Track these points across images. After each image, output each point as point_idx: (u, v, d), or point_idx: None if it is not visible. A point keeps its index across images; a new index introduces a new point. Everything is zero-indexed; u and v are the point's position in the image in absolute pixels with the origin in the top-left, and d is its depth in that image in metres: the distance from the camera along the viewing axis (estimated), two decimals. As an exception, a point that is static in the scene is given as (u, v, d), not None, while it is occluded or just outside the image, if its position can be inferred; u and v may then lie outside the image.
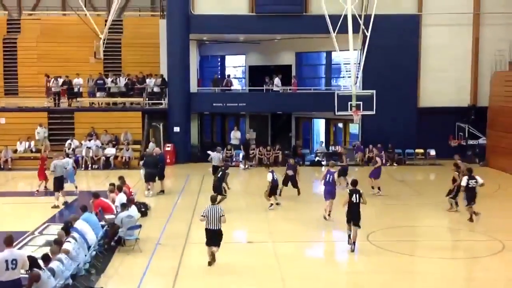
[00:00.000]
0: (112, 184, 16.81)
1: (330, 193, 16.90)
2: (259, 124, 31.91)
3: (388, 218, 17.27)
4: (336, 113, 24.97)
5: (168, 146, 27.27)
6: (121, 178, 17.50)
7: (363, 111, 24.14)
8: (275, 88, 29.49)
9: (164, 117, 28.41)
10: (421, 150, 28.04)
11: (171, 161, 26.86)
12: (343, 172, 20.56)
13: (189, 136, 29.10)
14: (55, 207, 18.26)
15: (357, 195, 13.82)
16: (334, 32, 23.96)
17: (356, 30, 24.13)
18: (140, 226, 14.39)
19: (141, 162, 21.62)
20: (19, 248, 13.14)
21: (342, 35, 23.69)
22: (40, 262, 10.40)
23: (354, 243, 13.87)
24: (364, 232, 15.34)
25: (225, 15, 28.23)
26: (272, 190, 18.31)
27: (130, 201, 15.29)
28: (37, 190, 20.45)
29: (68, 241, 11.65)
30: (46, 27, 35.36)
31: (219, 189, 18.05)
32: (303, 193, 20.36)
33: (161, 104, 29.23)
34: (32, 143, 26.93)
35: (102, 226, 14.06)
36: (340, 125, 30.87)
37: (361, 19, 24.55)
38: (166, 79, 28.65)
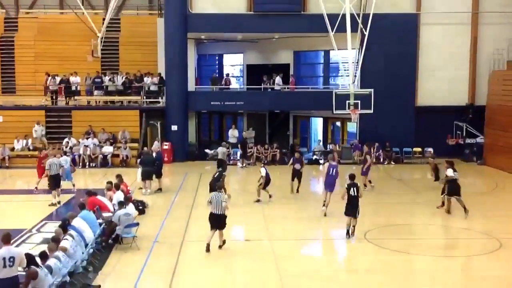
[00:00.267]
0: (110, 182, 16.80)
1: (330, 186, 17.31)
2: (257, 122, 31.90)
3: (386, 216, 17.28)
4: (334, 112, 24.99)
5: (166, 145, 27.25)
6: (118, 176, 17.47)
7: (361, 110, 24.17)
8: (276, 87, 29.49)
9: (162, 115, 28.39)
10: (419, 149, 28.06)
11: (169, 159, 26.85)
12: None
13: (187, 135, 29.08)
14: (53, 205, 18.24)
15: (355, 189, 14.52)
16: (332, 31, 23.99)
17: (354, 29, 24.16)
18: (137, 224, 14.39)
19: (139, 160, 21.63)
20: (17, 246, 13.12)
21: (340, 34, 23.72)
22: (38, 259, 10.37)
23: (353, 232, 14.72)
24: (361, 230, 15.42)
25: (223, 14, 28.21)
26: (266, 184, 18.73)
27: (127, 199, 15.28)
28: (36, 188, 20.42)
29: (66, 239, 11.65)
30: (43, 25, 35.28)
31: (214, 189, 18.00)
32: (300, 191, 20.35)
33: (159, 102, 29.21)
34: (30, 141, 26.90)
35: (100, 224, 14.06)
36: (338, 123, 30.88)
37: (359, 18, 24.59)
38: (164, 78, 28.63)
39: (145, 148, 23.21)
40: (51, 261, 10.47)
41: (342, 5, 23.78)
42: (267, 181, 18.75)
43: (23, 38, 34.37)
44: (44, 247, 11.59)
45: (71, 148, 26.56)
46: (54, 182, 18.60)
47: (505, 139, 25.23)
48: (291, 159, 20.71)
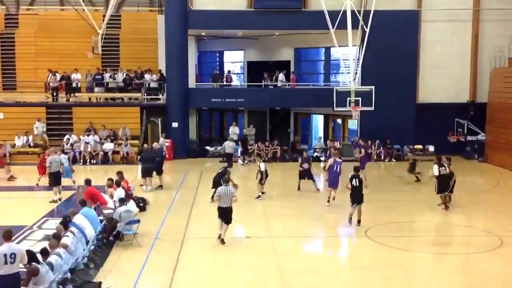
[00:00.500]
0: (110, 179, 16.80)
1: (334, 183, 17.88)
2: (257, 119, 31.89)
3: (386, 213, 17.26)
4: (334, 109, 24.93)
5: (167, 142, 27.21)
6: (119, 173, 17.48)
7: (362, 107, 24.12)
8: (279, 84, 29.46)
9: (163, 112, 28.38)
10: (420, 146, 28.04)
11: (170, 156, 26.83)
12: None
13: (188, 132, 29.07)
14: (54, 201, 18.25)
15: (357, 179, 15.46)
16: (333, 28, 23.92)
17: (355, 26, 24.09)
18: (138, 220, 14.39)
19: (138, 157, 21.64)
20: (18, 243, 13.11)
21: (341, 31, 23.65)
22: (39, 256, 10.37)
23: (359, 221, 15.47)
24: (362, 227, 15.44)
25: (224, 11, 28.15)
26: (262, 179, 19.16)
27: (128, 196, 15.29)
28: (37, 184, 20.41)
29: (67, 236, 11.66)
30: (44, 22, 35.26)
31: (218, 184, 18.02)
32: (301, 189, 20.31)
33: (160, 99, 29.20)
34: (30, 138, 26.89)
35: (101, 221, 14.06)
36: (339, 121, 30.86)
37: (360, 15, 24.52)
38: (165, 75, 28.61)
39: (145, 145, 23.20)
40: (52, 258, 10.47)
41: (343, 2, 23.72)
42: (265, 176, 19.12)
43: (24, 34, 34.34)
44: (45, 244, 11.59)
45: (72, 145, 26.57)
46: (55, 179, 18.60)
47: (506, 136, 25.20)
48: (300, 159, 20.67)
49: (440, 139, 27.52)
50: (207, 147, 29.27)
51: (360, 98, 24.08)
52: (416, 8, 28.49)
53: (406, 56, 28.12)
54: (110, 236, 13.89)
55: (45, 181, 19.70)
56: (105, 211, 15.06)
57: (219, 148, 28.05)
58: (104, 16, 28.28)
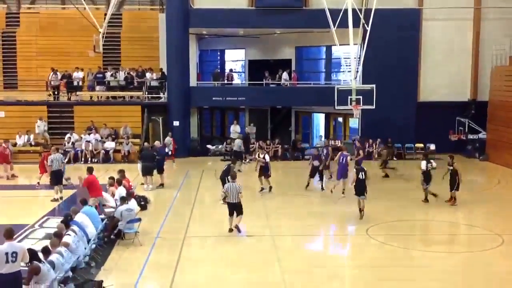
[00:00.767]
0: (112, 178, 16.83)
1: (342, 173, 18.92)
2: (258, 118, 31.88)
3: (387, 212, 17.25)
4: (336, 108, 24.91)
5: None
6: (121, 172, 17.51)
7: (363, 106, 24.09)
8: (283, 82, 29.42)
9: (164, 111, 28.39)
10: (421, 145, 28.03)
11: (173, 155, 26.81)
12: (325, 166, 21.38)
13: (189, 130, 29.08)
14: (55, 200, 18.27)
15: (363, 173, 16.37)
16: (334, 26, 23.87)
17: (356, 24, 24.06)
18: (139, 219, 14.41)
19: (139, 156, 21.67)
20: (19, 241, 13.12)
21: (342, 29, 23.62)
22: (40, 255, 10.38)
23: (362, 211, 16.21)
24: (363, 226, 15.46)
25: (225, 9, 28.14)
26: (263, 170, 19.69)
27: (129, 195, 15.32)
28: (38, 183, 20.43)
29: (68, 234, 11.67)
30: (45, 20, 35.30)
31: (224, 181, 18.13)
32: (301, 187, 20.35)
33: (161, 98, 29.21)
34: (32, 136, 26.89)
35: (102, 220, 14.07)
36: (340, 119, 30.85)
37: (361, 13, 24.49)
38: (166, 73, 28.61)
39: (146, 144, 23.21)
40: (53, 257, 10.48)
41: (344, 0, 23.69)
42: (266, 167, 19.56)
43: (25, 33, 34.40)
44: (47, 243, 11.60)
45: (73, 143, 26.58)
46: (56, 177, 18.61)
47: (508, 135, 25.17)
48: (310, 156, 20.81)
49: (441, 138, 27.50)
50: (208, 146, 29.28)
51: (361, 97, 24.03)
52: (417, 6, 28.47)
53: (407, 54, 28.09)
54: (111, 235, 13.91)
55: (46, 179, 19.70)
56: (106, 210, 15.08)
57: (220, 146, 28.13)
58: (105, 14, 28.21)
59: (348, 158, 19.32)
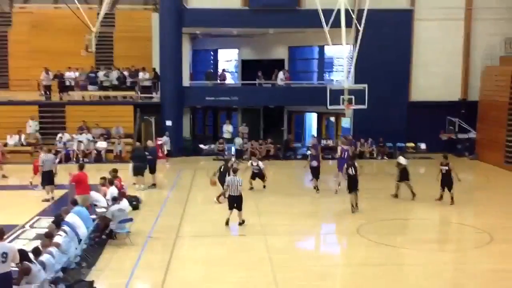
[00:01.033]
0: (104, 178, 16.82)
1: (342, 167, 18.66)
2: (251, 118, 31.90)
3: (378, 211, 17.36)
4: (328, 107, 25.02)
5: (160, 140, 27.20)
6: (114, 171, 17.53)
7: (355, 105, 24.21)
8: (279, 82, 29.46)
9: (156, 111, 28.34)
10: (412, 144, 28.19)
11: (163, 155, 26.80)
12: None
13: (181, 130, 29.06)
14: (46, 200, 18.23)
15: (353, 168, 16.94)
16: (327, 26, 23.97)
17: (349, 24, 24.17)
18: (131, 219, 14.43)
19: (130, 156, 21.64)
20: (10, 241, 13.12)
21: (335, 29, 23.72)
22: (31, 255, 10.37)
23: (356, 205, 16.88)
24: (354, 225, 15.54)
25: (218, 9, 28.13)
26: (257, 175, 20.03)
27: (121, 195, 15.31)
28: (31, 182, 20.34)
29: (59, 235, 11.68)
30: (37, 20, 35.08)
31: (222, 182, 18.23)
32: (294, 187, 20.43)
33: (153, 97, 29.17)
34: (23, 136, 26.77)
35: (93, 220, 14.08)
36: (332, 119, 30.94)
37: (354, 14, 24.59)
38: (159, 73, 28.59)
39: (138, 143, 23.18)
40: (44, 257, 10.49)
41: (337, 0, 23.77)
42: (261, 174, 19.89)
43: (17, 33, 34.23)
44: (38, 243, 11.61)
45: (64, 143, 26.51)
46: (47, 178, 18.57)
47: (497, 134, 25.35)
48: (308, 156, 20.72)
49: (432, 137, 27.69)
50: (201, 145, 29.29)
51: (353, 96, 24.18)
52: (409, 6, 28.58)
53: (399, 54, 28.19)
54: (103, 235, 13.91)
55: (37, 180, 19.64)
56: (98, 210, 15.08)
57: (213, 146, 28.20)
58: (98, 14, 28.21)
59: (350, 152, 20.25)
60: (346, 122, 29.62)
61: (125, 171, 20.89)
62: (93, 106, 28.66)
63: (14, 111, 27.88)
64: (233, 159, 26.73)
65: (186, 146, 29.02)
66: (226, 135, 28.98)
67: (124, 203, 15.00)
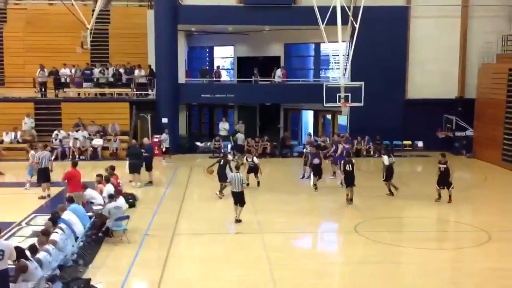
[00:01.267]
0: (100, 175, 16.73)
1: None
2: (247, 115, 31.88)
3: (375, 209, 17.35)
4: (324, 105, 25.00)
5: (156, 137, 27.11)
6: (111, 168, 17.47)
7: (352, 103, 24.19)
8: (277, 79, 29.42)
9: (152, 108, 28.27)
10: (409, 142, 28.21)
11: (159, 152, 26.73)
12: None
13: (177, 127, 28.98)
14: (42, 198, 18.15)
15: (350, 165, 17.75)
16: (323, 23, 23.93)
17: (345, 21, 24.12)
18: (128, 217, 14.36)
19: (126, 153, 21.59)
20: (6, 239, 13.04)
21: (331, 26, 23.68)
22: (27, 252, 10.31)
23: (351, 199, 17.59)
24: (351, 223, 15.52)
25: (214, 6, 28.02)
26: (252, 171, 20.24)
27: (118, 192, 15.23)
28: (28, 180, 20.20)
29: (56, 232, 11.61)
30: (32, 16, 34.97)
31: (223, 177, 18.36)
32: (290, 184, 20.39)
33: (149, 95, 29.09)
34: (19, 133, 26.65)
35: (90, 217, 14.01)
36: (329, 116, 30.93)
37: (350, 11, 24.55)
38: (154, 70, 28.50)
39: (133, 141, 23.13)
40: (41, 254, 10.43)
41: (333, -2, 23.74)
42: (255, 169, 20.07)
43: (12, 29, 34.08)
44: (34, 240, 11.54)
45: (60, 140, 26.39)
46: (43, 175, 18.47)
47: (494, 132, 25.37)
48: (309, 155, 20.66)
49: (428, 135, 27.70)
50: (197, 143, 29.23)
51: (349, 94, 24.15)
52: (405, 4, 28.57)
53: (395, 52, 28.19)
54: (99, 233, 13.86)
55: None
56: (94, 207, 15.01)
57: (209, 143, 28.18)
58: (93, 10, 28.10)
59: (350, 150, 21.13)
60: (342, 120, 29.61)
61: (121, 168, 20.82)
62: (89, 103, 28.56)
63: (9, 108, 27.76)
64: (229, 156, 26.78)
65: (182, 143, 28.97)
66: (222, 133, 28.91)
67: (121, 201, 14.90)
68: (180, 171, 23.81)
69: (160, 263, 12.40)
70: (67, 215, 12.86)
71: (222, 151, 26.03)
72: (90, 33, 26.90)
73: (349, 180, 17.69)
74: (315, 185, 19.84)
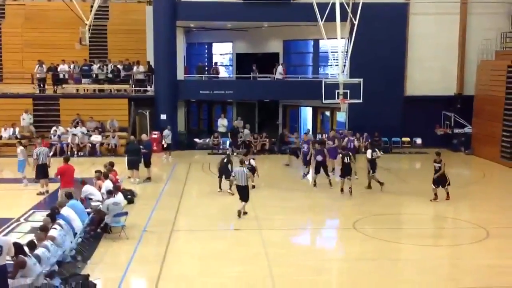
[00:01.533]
0: (98, 171, 16.74)
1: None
2: (246, 111, 31.84)
3: (374, 206, 17.36)
4: (323, 101, 24.98)
5: (155, 134, 27.11)
6: (110, 164, 17.45)
7: (350, 100, 24.16)
8: (277, 76, 29.37)
9: (151, 104, 28.24)
10: (408, 139, 28.21)
11: (158, 148, 26.72)
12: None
13: (176, 124, 28.96)
14: (41, 194, 18.14)
15: (348, 157, 18.41)
16: (322, 20, 23.88)
17: (344, 18, 24.08)
18: (126, 213, 14.36)
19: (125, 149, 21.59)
20: (5, 235, 13.05)
21: (330, 23, 23.63)
22: (26, 248, 10.31)
23: (350, 191, 18.22)
24: (350, 219, 15.53)
25: (213, 2, 28.00)
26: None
27: (116, 188, 15.23)
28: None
29: (54, 228, 11.60)
30: (31, 12, 34.92)
31: (227, 173, 18.37)
32: (289, 181, 20.37)
33: (148, 91, 29.06)
34: (17, 129, 26.63)
35: (88, 213, 14.00)
36: (327, 113, 30.92)
37: (349, 7, 24.52)
38: (153, 66, 28.46)
39: (132, 137, 23.12)
40: (39, 250, 10.42)
41: (332, -6, 23.69)
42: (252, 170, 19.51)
43: (10, 25, 34.03)
44: (32, 236, 11.53)
45: (59, 136, 26.37)
46: (42, 171, 18.46)
47: (493, 129, 25.39)
48: (313, 151, 20.50)
49: (427, 132, 27.70)
50: (196, 139, 29.21)
51: (348, 91, 24.10)
52: (404, 0, 28.54)
53: (394, 48, 28.17)
54: (98, 229, 13.85)
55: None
56: (93, 203, 15.00)
57: (207, 140, 28.22)
58: (91, 7, 28.00)
59: (356, 142, 21.94)
60: (341, 117, 29.58)
61: (120, 164, 20.82)
62: (88, 99, 28.52)
63: (8, 104, 27.74)
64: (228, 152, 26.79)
65: (180, 140, 28.95)
66: (221, 129, 28.90)
67: (119, 197, 14.92)
68: (179, 168, 23.81)
69: (158, 259, 12.40)
70: (65, 211, 12.87)
71: (221, 147, 25.99)
72: (89, 29, 26.84)
73: (345, 171, 18.35)
74: (314, 181, 19.83)
